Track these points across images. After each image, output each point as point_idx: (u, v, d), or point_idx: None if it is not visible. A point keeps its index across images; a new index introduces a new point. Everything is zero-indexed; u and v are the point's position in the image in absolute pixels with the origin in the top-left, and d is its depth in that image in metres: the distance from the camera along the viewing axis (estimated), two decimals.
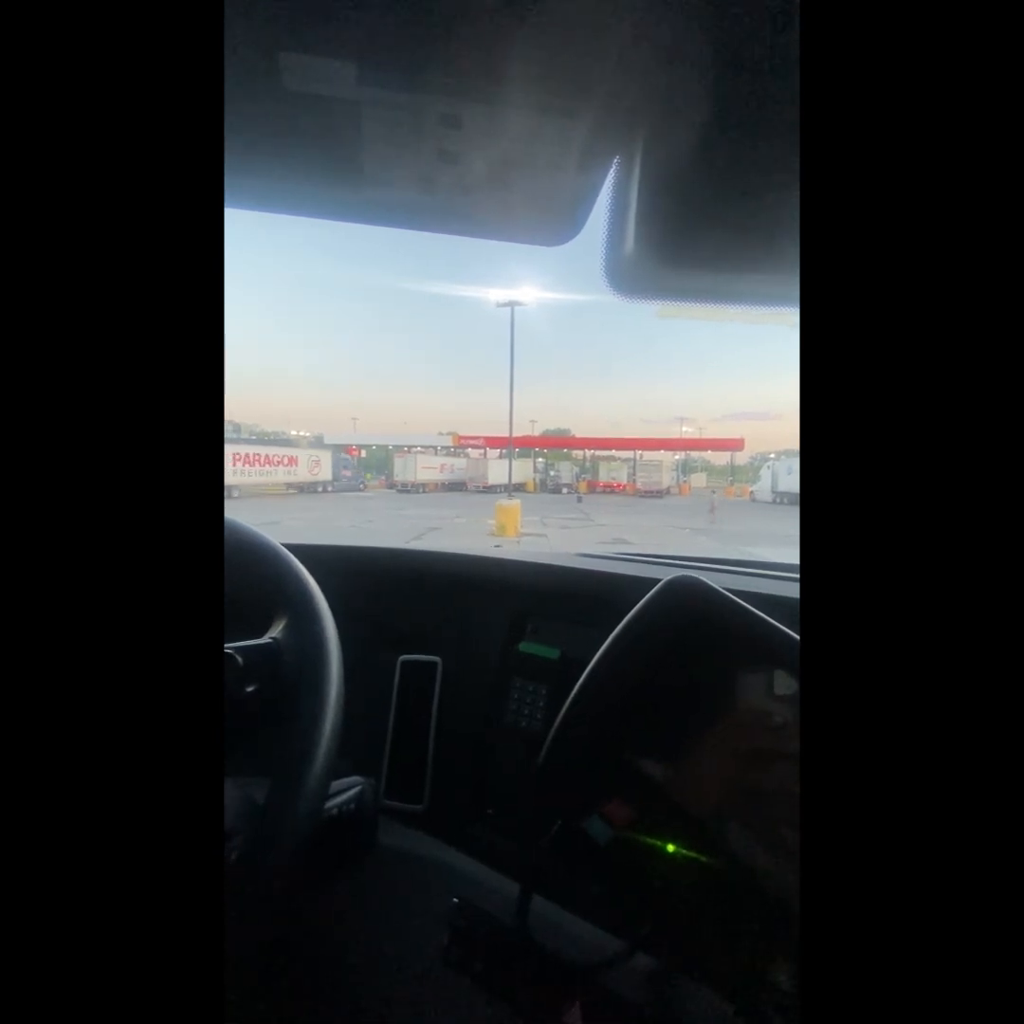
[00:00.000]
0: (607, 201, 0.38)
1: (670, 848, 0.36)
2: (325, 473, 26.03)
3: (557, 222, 0.43)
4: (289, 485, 24.52)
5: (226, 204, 0.39)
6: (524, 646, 0.71)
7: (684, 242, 0.36)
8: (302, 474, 24.79)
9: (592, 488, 31.55)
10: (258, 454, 22.19)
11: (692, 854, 0.35)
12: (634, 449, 37.47)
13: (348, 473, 28.19)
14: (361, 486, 28.97)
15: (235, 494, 20.32)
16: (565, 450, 42.52)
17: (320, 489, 25.69)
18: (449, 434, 42.70)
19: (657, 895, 0.36)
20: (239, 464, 20.87)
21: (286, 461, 23.79)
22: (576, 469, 34.74)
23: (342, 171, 0.37)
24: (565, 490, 30.90)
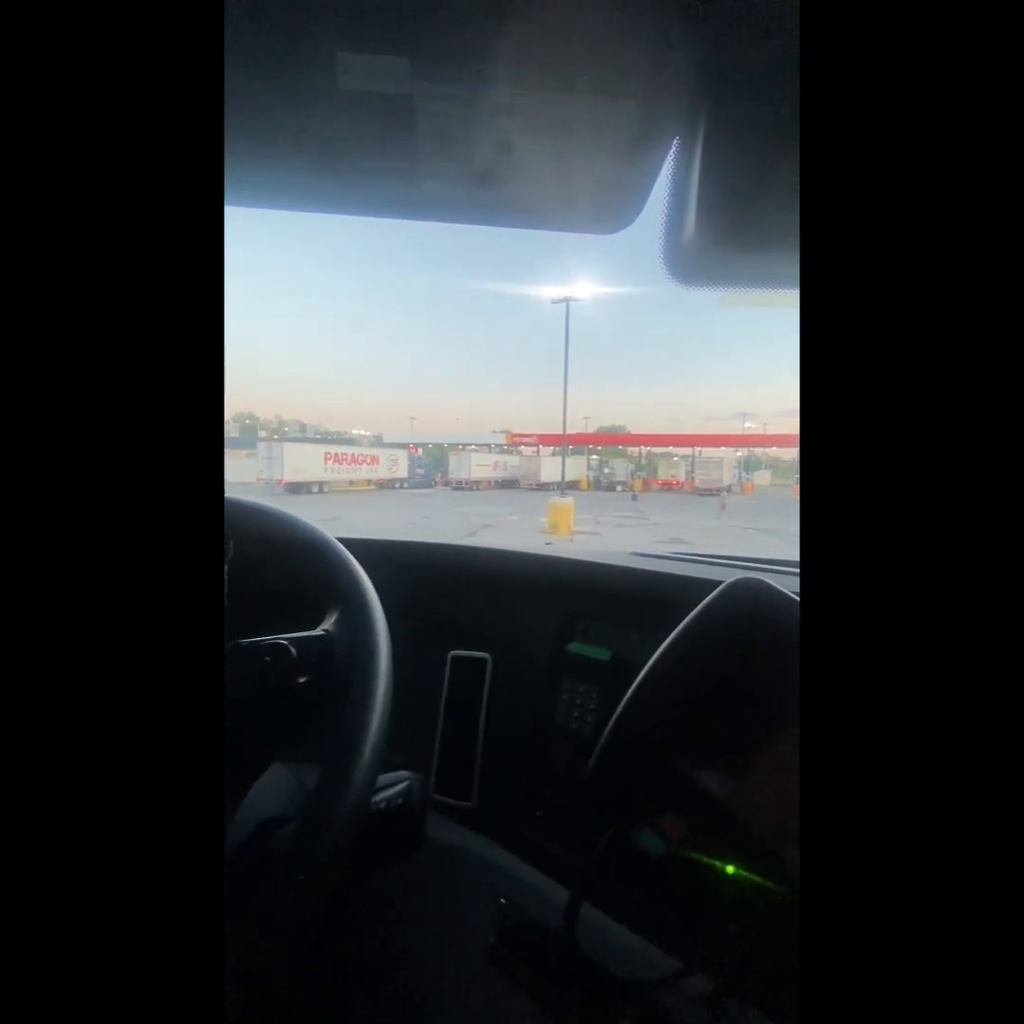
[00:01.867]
0: (666, 184, 0.36)
1: (729, 869, 0.33)
2: (401, 471, 27.64)
3: (614, 209, 0.42)
4: (371, 482, 26.17)
5: (276, 206, 0.40)
6: (575, 647, 0.70)
7: (749, 224, 0.34)
8: (383, 472, 26.46)
9: (648, 486, 30.86)
10: (345, 453, 24.13)
11: (753, 877, 0.33)
12: (693, 446, 36.28)
13: (421, 471, 29.62)
14: (433, 483, 30.13)
15: (326, 489, 22.11)
16: (620, 447, 41.85)
17: (397, 485, 27.30)
18: (502, 432, 43.07)
19: (714, 917, 0.34)
20: (330, 462, 22.81)
21: (368, 460, 25.60)
22: (631, 466, 34.00)
23: (398, 168, 0.36)
24: (619, 488, 30.38)
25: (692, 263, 0.37)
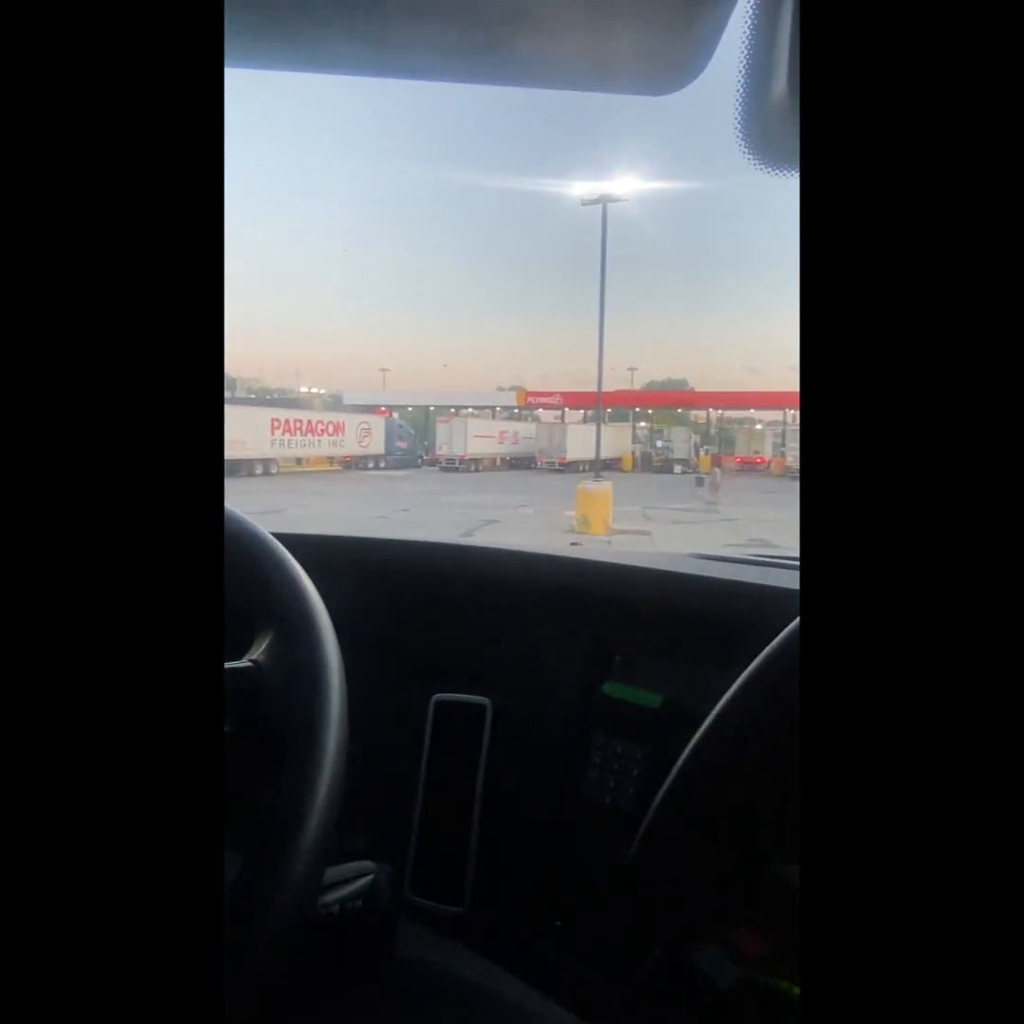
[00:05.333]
0: (745, 25, 0.36)
1: None
2: (376, 445, 27.53)
3: (670, 58, 0.42)
4: (334, 459, 26.04)
5: (271, 64, 0.45)
6: (610, 688, 0.70)
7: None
8: (350, 445, 26.28)
9: (720, 465, 30.71)
10: (300, 420, 23.70)
11: None
12: (784, 408, 35.90)
13: (402, 444, 29.27)
14: (417, 461, 30.09)
15: (274, 470, 21.80)
16: (679, 410, 41.61)
17: (371, 465, 27.16)
18: (512, 389, 42.93)
19: None
20: (279, 432, 22.17)
21: (331, 429, 25.21)
22: (695, 437, 33.88)
23: (400, 13, 0.39)
24: (679, 468, 30.24)
25: (782, 136, 0.36)
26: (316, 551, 0.54)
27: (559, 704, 0.73)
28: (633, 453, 33.27)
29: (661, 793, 0.39)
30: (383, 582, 0.84)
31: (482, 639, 0.79)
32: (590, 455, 20.94)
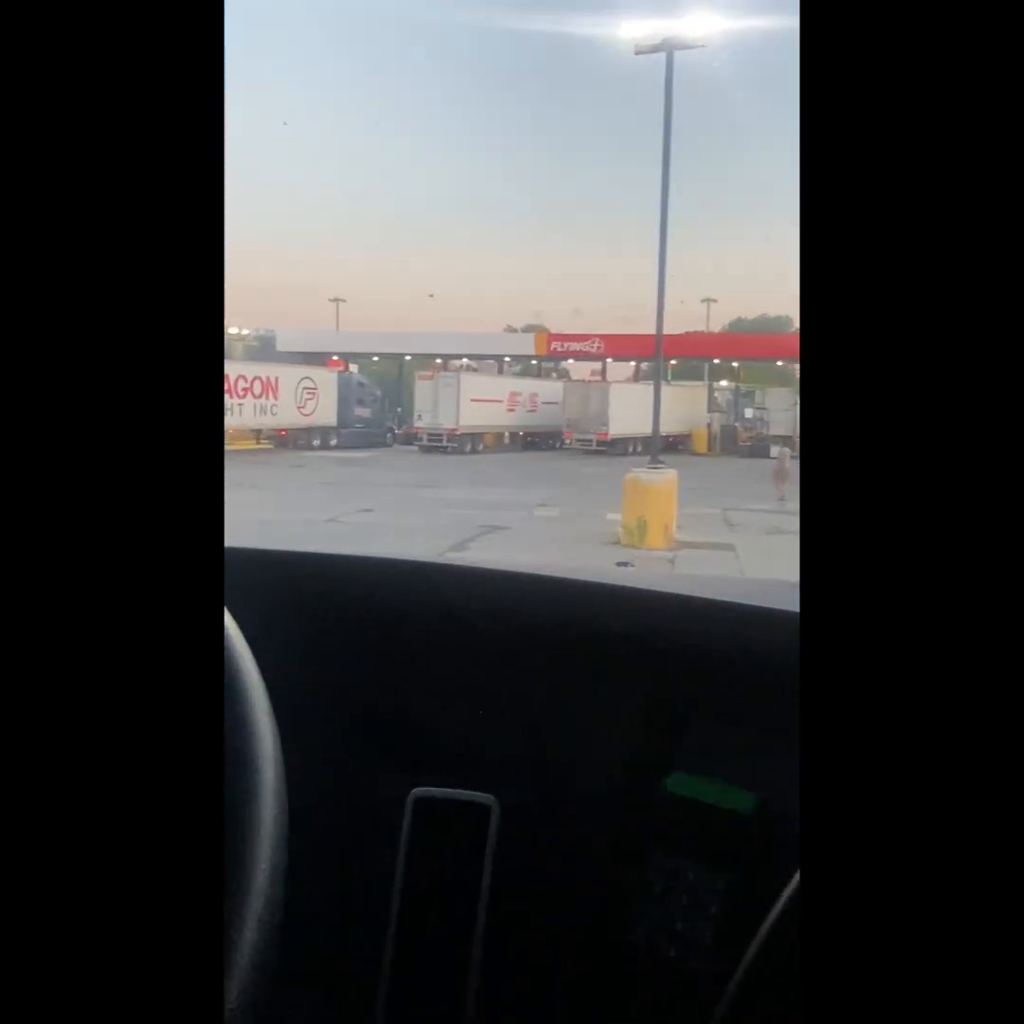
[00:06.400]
0: None
1: None
2: (326, 412, 27.70)
3: None
4: (263, 434, 26.30)
5: None
6: (678, 782, 0.71)
7: None
8: (286, 413, 26.43)
9: (790, 444, 30.55)
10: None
11: None
12: None
13: (365, 411, 29.10)
14: (389, 436, 30.07)
15: None
16: (779, 363, 41.40)
17: (317, 442, 27.35)
18: (529, 331, 42.63)
19: None
20: None
21: (258, 389, 25.36)
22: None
23: None
24: (778, 448, 30.12)
25: None
26: (246, 570, 0.55)
27: (598, 805, 0.73)
28: (709, 427, 33.24)
29: (754, 945, 0.40)
30: (333, 619, 0.84)
31: (482, 705, 0.80)
32: (644, 429, 20.75)
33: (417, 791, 0.78)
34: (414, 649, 0.83)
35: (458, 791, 0.77)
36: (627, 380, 33.43)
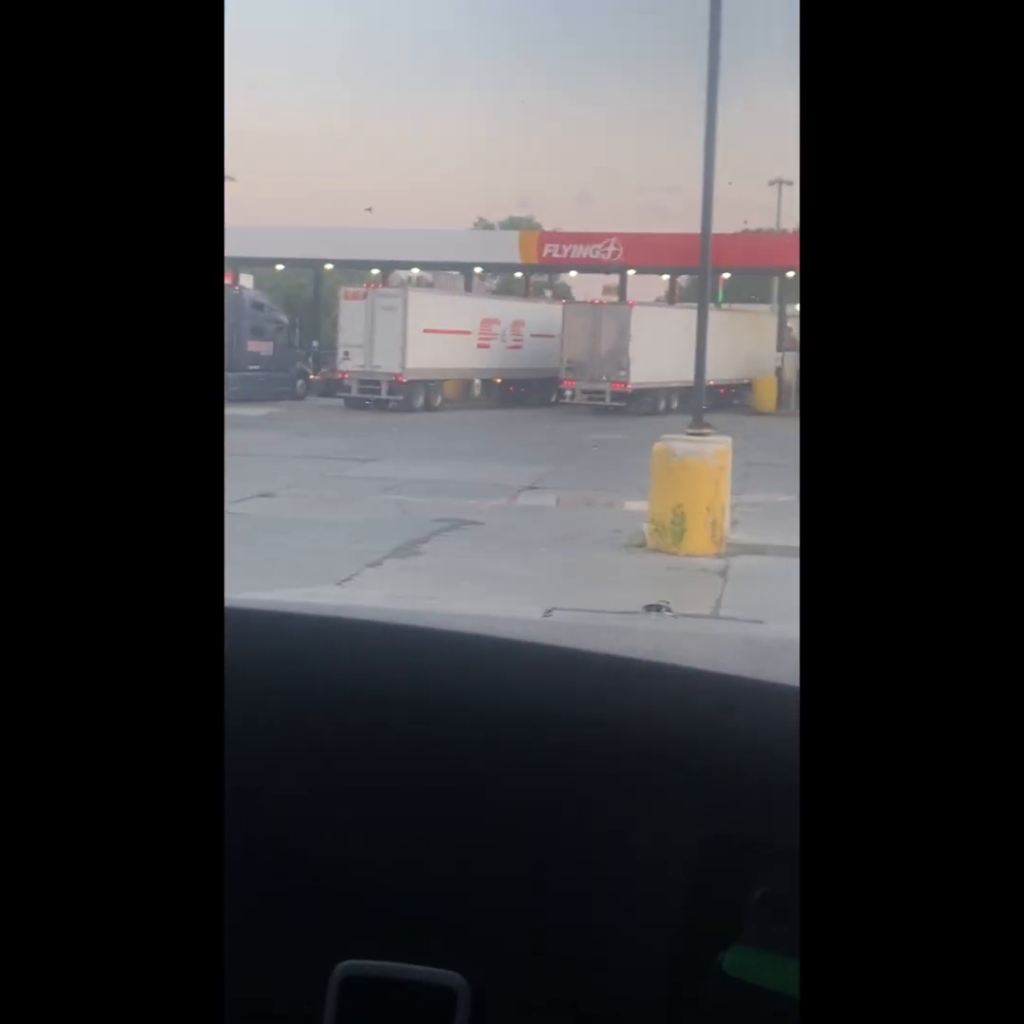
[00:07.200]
0: None
1: None
2: None
3: None
4: None
5: None
6: (739, 959, 0.61)
7: None
8: None
9: None
10: None
11: None
12: None
13: (264, 346, 24.42)
14: (301, 383, 25.76)
15: None
16: None
17: None
18: (510, 226, 37.29)
19: None
20: None
21: None
22: None
23: None
24: None
25: None
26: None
27: (624, 989, 0.61)
28: (780, 372, 27.28)
29: None
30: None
31: (438, 835, 0.68)
32: (683, 375, 16.19)
33: (345, 966, 0.61)
34: (324, 749, 0.77)
35: (406, 966, 0.59)
36: (657, 302, 28.29)
